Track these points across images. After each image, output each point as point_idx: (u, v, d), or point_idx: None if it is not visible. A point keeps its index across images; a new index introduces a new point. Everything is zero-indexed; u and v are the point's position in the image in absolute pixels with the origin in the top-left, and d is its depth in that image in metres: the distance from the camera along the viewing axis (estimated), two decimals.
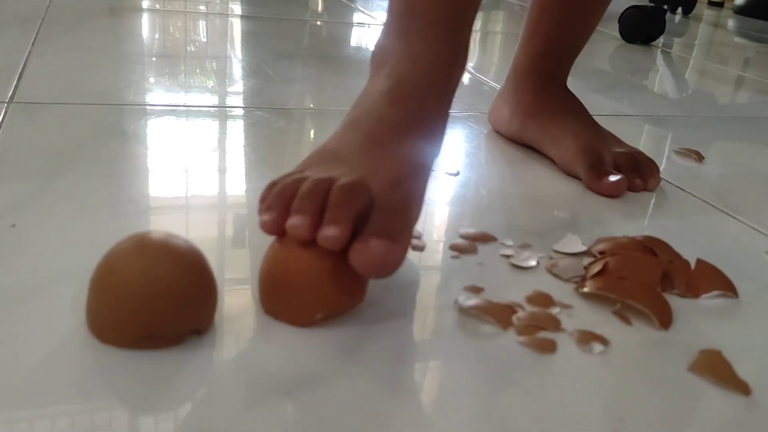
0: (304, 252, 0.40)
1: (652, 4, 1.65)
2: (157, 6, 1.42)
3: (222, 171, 0.62)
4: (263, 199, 0.43)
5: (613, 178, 0.66)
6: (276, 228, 0.40)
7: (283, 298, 0.40)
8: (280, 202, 0.41)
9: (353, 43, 1.35)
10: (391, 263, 0.40)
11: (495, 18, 1.95)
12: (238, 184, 0.60)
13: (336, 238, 0.39)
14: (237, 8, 1.50)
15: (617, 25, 1.66)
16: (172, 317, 0.36)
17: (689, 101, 1.16)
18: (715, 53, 1.78)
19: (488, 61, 1.34)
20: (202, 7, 1.46)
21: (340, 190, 0.41)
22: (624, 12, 1.64)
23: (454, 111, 0.92)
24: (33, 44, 0.98)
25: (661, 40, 1.74)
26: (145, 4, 1.43)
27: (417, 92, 0.48)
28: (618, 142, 0.74)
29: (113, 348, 0.37)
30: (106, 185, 0.56)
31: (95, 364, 0.36)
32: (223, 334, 0.39)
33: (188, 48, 1.10)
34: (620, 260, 0.49)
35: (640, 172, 0.69)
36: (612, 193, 0.66)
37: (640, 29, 1.63)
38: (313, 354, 0.38)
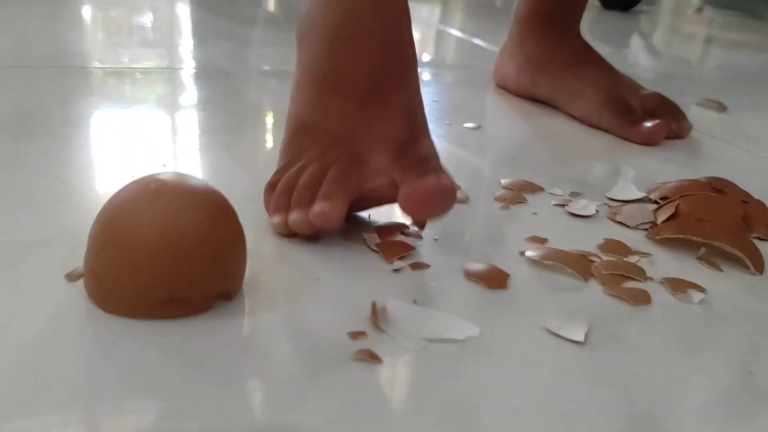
0: None
1: None
2: None
3: (202, 130, 0.55)
4: (268, 204, 0.39)
5: (649, 123, 0.60)
6: (288, 229, 0.37)
7: None
8: (287, 202, 0.37)
9: None
10: (450, 191, 0.35)
11: None
12: (218, 131, 0.53)
13: (326, 212, 0.35)
14: None
15: None
16: (200, 276, 0.29)
17: (689, 61, 1.11)
18: (686, 18, 1.75)
19: (474, 25, 1.28)
20: None
21: (333, 171, 0.37)
22: None
23: (454, 67, 0.85)
24: None
25: (640, 6, 1.70)
26: None
27: (365, 22, 0.39)
28: (640, 86, 0.68)
29: (125, 318, 0.29)
30: (77, 146, 0.48)
31: (105, 342, 0.28)
32: (257, 297, 0.32)
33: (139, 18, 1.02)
34: (695, 202, 0.43)
35: (671, 116, 0.64)
36: (651, 139, 0.60)
37: None
38: (366, 316, 0.31)
